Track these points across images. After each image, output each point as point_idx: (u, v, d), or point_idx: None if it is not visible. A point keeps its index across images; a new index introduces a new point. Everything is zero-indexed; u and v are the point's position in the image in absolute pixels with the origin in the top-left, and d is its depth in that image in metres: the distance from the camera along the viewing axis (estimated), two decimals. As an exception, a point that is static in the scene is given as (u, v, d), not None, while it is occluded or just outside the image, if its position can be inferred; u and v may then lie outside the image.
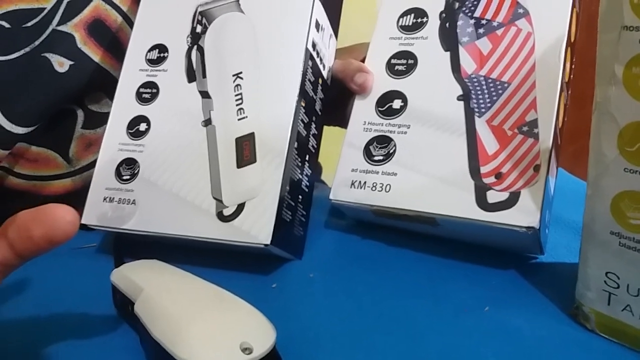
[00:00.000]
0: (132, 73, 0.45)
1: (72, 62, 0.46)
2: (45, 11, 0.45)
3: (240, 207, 0.39)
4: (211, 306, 0.31)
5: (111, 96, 0.46)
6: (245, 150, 0.40)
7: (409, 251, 0.43)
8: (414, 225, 0.42)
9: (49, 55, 0.46)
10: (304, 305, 0.38)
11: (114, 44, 0.49)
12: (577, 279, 0.34)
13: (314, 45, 0.43)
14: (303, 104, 0.41)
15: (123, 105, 0.45)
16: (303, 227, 0.43)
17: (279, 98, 0.41)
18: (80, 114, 0.49)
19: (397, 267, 0.41)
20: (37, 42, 0.45)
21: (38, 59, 0.45)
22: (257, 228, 0.38)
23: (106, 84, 0.49)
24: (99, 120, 0.50)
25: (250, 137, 0.40)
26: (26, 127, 0.46)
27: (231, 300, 0.32)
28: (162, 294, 0.33)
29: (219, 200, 0.40)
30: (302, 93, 0.41)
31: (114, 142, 0.44)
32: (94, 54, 0.48)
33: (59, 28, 0.46)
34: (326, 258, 0.43)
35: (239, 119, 0.41)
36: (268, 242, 0.37)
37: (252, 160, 0.40)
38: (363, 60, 0.46)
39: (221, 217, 0.39)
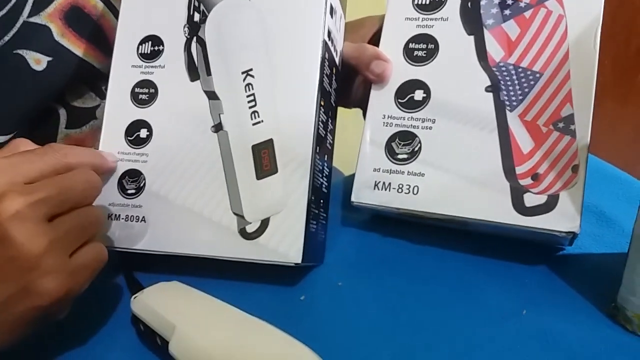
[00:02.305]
0: (123, 70, 0.40)
1: (50, 58, 0.41)
2: (12, 2, 0.39)
3: (265, 223, 0.36)
4: (251, 342, 0.30)
5: (95, 89, 0.41)
6: (265, 160, 0.37)
7: (435, 248, 0.41)
8: (441, 224, 0.40)
9: (23, 52, 0.40)
10: (337, 320, 0.36)
11: (96, 33, 0.43)
12: (621, 283, 0.34)
13: (329, 34, 0.39)
14: (322, 103, 0.38)
15: (117, 108, 0.40)
16: (324, 230, 0.41)
17: (296, 99, 0.37)
18: (62, 112, 0.44)
19: (425, 267, 0.40)
20: (6, 38, 0.39)
21: (10, 57, 0.39)
22: (285, 245, 0.36)
23: (89, 77, 0.43)
24: (84, 117, 0.45)
25: (269, 144, 0.37)
26: (4, 135, 0.40)
27: (269, 333, 0.31)
28: (197, 331, 0.31)
29: (240, 216, 0.37)
30: (321, 90, 0.38)
31: (112, 152, 0.39)
32: (75, 46, 0.42)
33: (31, 20, 0.40)
34: (350, 261, 0.41)
35: (253, 124, 0.37)
36: (299, 260, 0.35)
37: (273, 170, 0.37)
38: (374, 37, 0.42)
39: (244, 234, 0.36)
